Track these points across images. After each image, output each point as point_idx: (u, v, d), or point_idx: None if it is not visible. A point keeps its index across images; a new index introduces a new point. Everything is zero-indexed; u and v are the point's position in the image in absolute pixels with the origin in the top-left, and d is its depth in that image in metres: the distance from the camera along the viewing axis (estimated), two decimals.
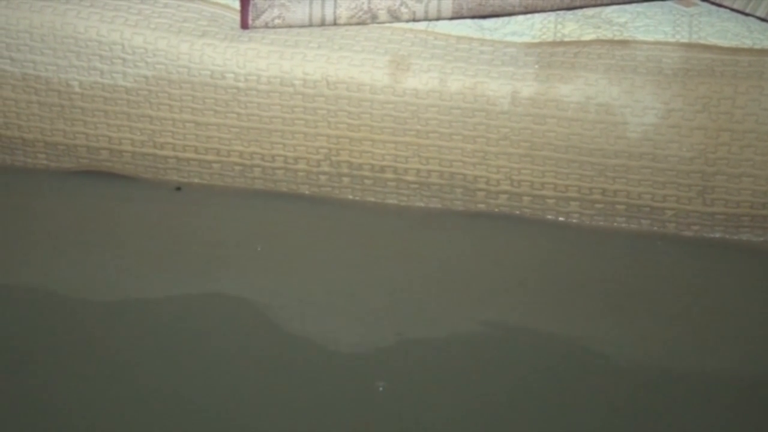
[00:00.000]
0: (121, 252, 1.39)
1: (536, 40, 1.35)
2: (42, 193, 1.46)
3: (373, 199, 1.42)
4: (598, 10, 1.37)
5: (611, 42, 1.34)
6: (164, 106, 1.39)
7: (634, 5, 1.36)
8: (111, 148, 1.44)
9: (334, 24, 1.37)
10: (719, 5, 1.36)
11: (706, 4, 1.36)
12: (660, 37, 1.33)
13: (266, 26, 1.37)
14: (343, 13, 1.36)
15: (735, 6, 1.35)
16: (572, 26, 1.36)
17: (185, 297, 1.33)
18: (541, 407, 1.20)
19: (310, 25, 1.37)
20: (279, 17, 1.36)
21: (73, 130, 1.43)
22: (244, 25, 1.37)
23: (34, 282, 1.35)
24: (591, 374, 1.24)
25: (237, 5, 1.38)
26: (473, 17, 1.37)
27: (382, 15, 1.36)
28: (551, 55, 1.33)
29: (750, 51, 1.32)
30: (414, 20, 1.36)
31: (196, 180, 1.44)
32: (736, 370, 1.25)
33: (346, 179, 1.41)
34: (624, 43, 1.33)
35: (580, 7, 1.36)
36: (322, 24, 1.37)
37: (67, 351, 1.26)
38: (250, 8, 1.36)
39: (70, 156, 1.46)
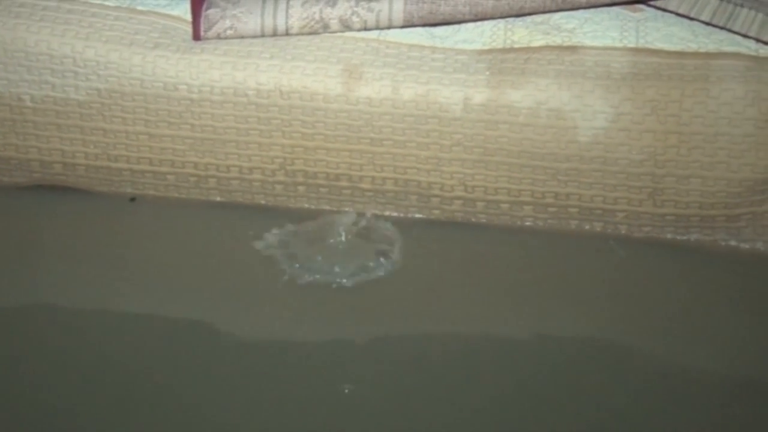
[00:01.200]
0: (76, 266, 1.38)
1: (487, 47, 1.36)
2: None
3: (328, 208, 1.42)
4: (546, 16, 1.38)
5: (560, 48, 1.35)
6: (117, 119, 1.39)
7: (581, 11, 1.38)
8: (64, 162, 1.43)
9: (287, 34, 1.37)
10: (665, 10, 1.38)
11: (652, 10, 1.38)
12: (608, 43, 1.35)
13: (218, 37, 1.37)
14: (295, 23, 1.36)
15: (680, 11, 1.36)
16: (522, 33, 1.37)
17: (141, 309, 1.33)
18: (500, 409, 1.21)
19: (263, 35, 1.37)
20: (231, 28, 1.36)
21: (25, 144, 1.43)
22: (197, 36, 1.37)
23: None
24: (548, 375, 1.25)
25: (189, 17, 1.37)
26: (424, 25, 1.38)
27: (334, 24, 1.36)
28: (502, 62, 1.35)
29: (695, 54, 1.34)
30: (365, 29, 1.37)
31: (151, 192, 1.44)
32: (688, 366, 1.27)
33: (301, 188, 1.41)
34: (573, 48, 1.35)
35: (529, 14, 1.38)
36: (275, 34, 1.37)
37: (21, 363, 1.26)
38: (202, 20, 1.36)
39: (23, 170, 1.45)
